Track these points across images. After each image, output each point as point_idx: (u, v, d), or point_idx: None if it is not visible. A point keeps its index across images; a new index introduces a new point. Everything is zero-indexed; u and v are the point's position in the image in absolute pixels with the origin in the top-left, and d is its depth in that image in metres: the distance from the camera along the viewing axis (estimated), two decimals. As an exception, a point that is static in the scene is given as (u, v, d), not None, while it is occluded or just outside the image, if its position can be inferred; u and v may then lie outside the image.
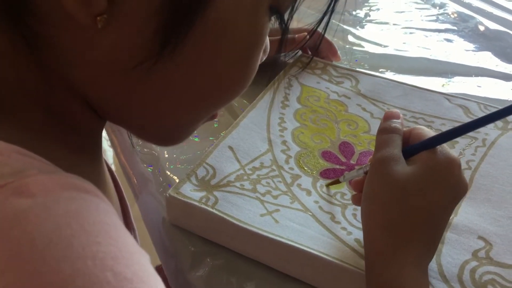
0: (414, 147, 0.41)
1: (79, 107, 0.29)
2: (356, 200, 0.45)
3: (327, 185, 0.50)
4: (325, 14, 0.31)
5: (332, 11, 0.31)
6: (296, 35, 0.67)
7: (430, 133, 0.42)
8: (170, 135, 0.33)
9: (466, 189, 0.40)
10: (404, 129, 0.43)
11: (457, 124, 0.58)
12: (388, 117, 0.44)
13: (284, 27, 0.30)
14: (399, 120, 0.44)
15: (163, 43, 0.25)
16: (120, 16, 0.24)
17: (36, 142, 0.27)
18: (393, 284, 0.36)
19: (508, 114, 0.39)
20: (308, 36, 0.67)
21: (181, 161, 0.57)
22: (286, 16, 0.31)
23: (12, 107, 0.27)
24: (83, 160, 0.31)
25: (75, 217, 0.21)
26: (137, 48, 0.25)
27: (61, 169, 0.25)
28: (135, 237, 0.41)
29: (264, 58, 0.34)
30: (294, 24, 0.75)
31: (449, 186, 0.39)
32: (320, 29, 0.39)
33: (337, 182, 0.49)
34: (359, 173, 0.45)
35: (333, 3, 0.30)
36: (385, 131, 0.43)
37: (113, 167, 0.73)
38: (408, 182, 0.39)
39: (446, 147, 0.41)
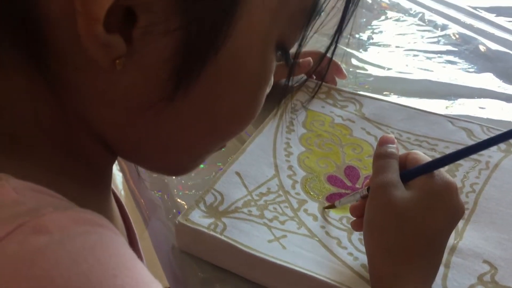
0: (411, 171, 0.42)
1: (94, 144, 0.30)
2: (355, 226, 0.47)
3: (324, 208, 0.51)
4: (332, 41, 0.32)
5: (338, 40, 0.32)
6: (301, 60, 0.69)
7: (426, 157, 0.43)
8: (180, 167, 0.34)
9: (463, 212, 0.41)
10: (400, 153, 0.45)
11: (460, 147, 0.59)
12: (383, 142, 0.45)
13: (291, 64, 0.31)
14: (394, 145, 0.45)
15: (177, 84, 0.26)
16: (137, 59, 0.25)
17: (50, 178, 0.28)
18: None
19: (500, 142, 0.41)
20: (311, 62, 0.69)
21: (190, 186, 0.58)
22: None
23: (27, 144, 0.28)
24: (95, 194, 0.32)
25: (91, 252, 0.22)
26: (152, 89, 0.26)
27: (75, 204, 0.26)
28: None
29: (269, 90, 0.35)
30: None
31: (447, 210, 0.40)
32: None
33: (333, 206, 0.50)
34: (355, 198, 0.47)
35: (339, 32, 0.31)
36: (382, 157, 0.44)
37: (122, 193, 0.74)
38: (407, 208, 0.40)
39: (443, 171, 0.42)
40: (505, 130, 0.41)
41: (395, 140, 0.46)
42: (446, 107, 0.72)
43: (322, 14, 0.31)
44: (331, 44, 0.33)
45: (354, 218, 0.50)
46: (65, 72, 0.26)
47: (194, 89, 0.27)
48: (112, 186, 0.44)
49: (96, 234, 0.23)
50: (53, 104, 0.28)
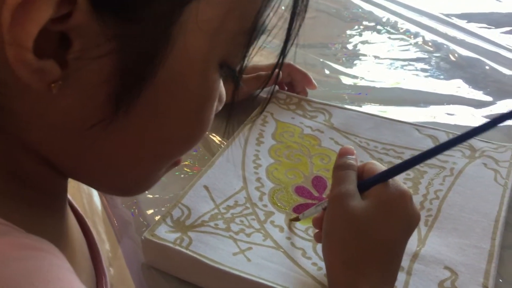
0: (367, 181, 0.43)
1: (38, 166, 0.30)
2: (318, 238, 0.47)
3: (290, 220, 0.52)
4: (285, 44, 0.32)
5: (285, 52, 0.33)
6: (264, 73, 0.70)
7: (381, 167, 0.44)
8: (130, 187, 0.35)
9: (418, 220, 0.42)
10: (358, 164, 0.46)
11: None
12: (342, 153, 0.46)
13: (236, 81, 0.31)
14: (353, 156, 0.46)
15: (116, 106, 0.27)
16: (73, 82, 0.26)
17: None
18: None
19: (450, 147, 0.41)
20: (280, 74, 0.69)
21: (163, 200, 0.59)
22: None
23: None
24: (46, 216, 0.33)
25: (26, 277, 0.22)
26: (91, 111, 0.27)
27: (19, 228, 0.26)
28: (105, 282, 0.42)
29: (220, 108, 0.36)
30: (270, 58, 0.77)
31: (401, 218, 0.41)
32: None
33: (297, 219, 0.51)
34: (317, 210, 0.47)
35: (285, 44, 0.32)
36: (341, 168, 0.45)
37: (99, 208, 0.74)
38: (362, 217, 0.41)
39: (397, 180, 0.43)
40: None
41: (354, 152, 0.47)
42: (434, 117, 0.73)
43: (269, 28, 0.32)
44: (280, 56, 0.33)
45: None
46: (3, 97, 0.27)
47: (135, 110, 0.28)
48: (82, 204, 0.45)
49: (34, 259, 0.24)
50: None
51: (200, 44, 0.28)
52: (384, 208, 0.41)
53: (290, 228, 0.51)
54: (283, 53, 0.32)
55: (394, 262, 0.41)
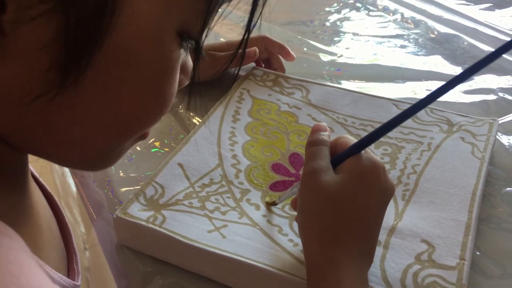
0: (340, 155, 0.42)
1: None
2: (294, 205, 0.46)
3: (266, 205, 0.51)
4: (250, 18, 0.31)
5: (250, 26, 0.31)
6: (246, 50, 0.68)
7: (354, 140, 0.43)
8: (93, 161, 0.33)
9: (393, 191, 0.42)
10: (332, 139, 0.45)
11: (404, 130, 0.59)
12: (315, 130, 0.45)
13: (197, 52, 0.30)
14: (326, 132, 0.45)
15: (64, 75, 0.25)
16: (13, 50, 0.24)
17: None
18: None
19: (418, 110, 0.41)
20: (257, 51, 0.68)
21: (137, 179, 0.57)
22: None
23: None
24: (2, 194, 0.31)
25: None
26: (33, 81, 0.25)
27: None
28: (76, 262, 0.40)
29: (186, 82, 0.34)
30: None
31: (375, 189, 0.40)
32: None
33: (274, 204, 0.50)
34: (293, 192, 0.47)
35: (250, 17, 0.31)
36: (313, 144, 0.44)
37: (73, 189, 0.72)
38: (336, 191, 0.40)
39: (369, 152, 0.42)
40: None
41: (327, 128, 0.46)
42: (414, 92, 0.72)
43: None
44: (246, 31, 0.32)
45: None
46: None
47: (84, 82, 0.26)
48: (54, 185, 0.43)
49: None
50: None
51: (151, 9, 0.26)
52: (357, 180, 0.40)
53: (267, 208, 0.50)
54: (248, 27, 0.31)
55: (371, 234, 0.41)
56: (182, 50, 0.30)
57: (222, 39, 0.84)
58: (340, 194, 0.40)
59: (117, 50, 0.26)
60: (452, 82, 0.39)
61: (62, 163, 0.34)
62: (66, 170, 0.72)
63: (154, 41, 0.27)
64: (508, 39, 0.84)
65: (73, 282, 0.39)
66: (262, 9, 0.32)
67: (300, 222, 0.42)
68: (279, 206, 0.50)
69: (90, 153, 0.31)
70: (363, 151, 0.41)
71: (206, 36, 0.30)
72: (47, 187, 0.44)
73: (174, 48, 0.28)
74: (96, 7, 0.24)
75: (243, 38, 0.32)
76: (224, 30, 0.86)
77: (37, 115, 0.27)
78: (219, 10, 0.30)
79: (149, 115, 0.30)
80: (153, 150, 0.61)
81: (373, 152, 0.48)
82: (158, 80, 0.29)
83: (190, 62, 0.34)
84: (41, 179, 0.44)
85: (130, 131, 0.31)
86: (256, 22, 0.32)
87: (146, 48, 0.27)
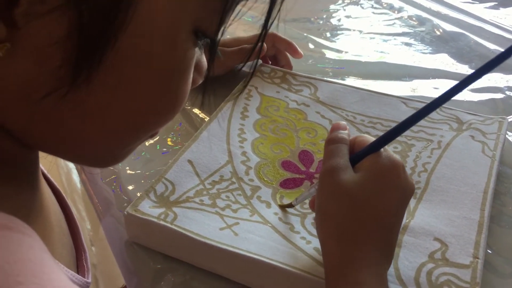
0: (358, 154, 0.42)
1: (1, 139, 0.28)
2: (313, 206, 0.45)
3: (281, 208, 0.50)
4: (268, 15, 0.30)
5: (268, 24, 0.31)
6: (248, 46, 0.68)
7: (372, 139, 0.42)
8: (103, 158, 0.32)
9: (413, 190, 0.41)
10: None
11: (414, 128, 0.59)
12: (334, 128, 0.45)
13: (212, 51, 0.29)
14: (345, 131, 0.44)
15: (76, 72, 0.24)
16: (24, 45, 0.24)
17: None
18: None
19: (437, 106, 0.40)
20: (265, 47, 0.68)
21: (145, 176, 0.57)
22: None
23: None
24: (15, 191, 0.30)
25: None
26: (45, 77, 0.25)
27: None
28: (85, 258, 0.40)
29: (200, 81, 0.34)
30: (252, 32, 0.75)
31: (395, 188, 0.40)
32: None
33: (290, 206, 0.50)
34: (311, 193, 0.46)
35: (268, 16, 0.30)
36: (332, 142, 0.43)
37: (78, 186, 0.72)
38: (355, 190, 0.39)
39: (388, 150, 0.41)
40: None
41: (347, 127, 0.45)
42: (413, 90, 0.72)
43: None
44: (264, 27, 0.31)
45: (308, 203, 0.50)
46: None
47: (97, 79, 0.25)
48: (60, 182, 0.43)
49: (0, 238, 0.22)
50: None
51: (167, 5, 0.25)
52: (377, 179, 0.40)
53: (282, 210, 0.50)
54: (266, 24, 0.31)
55: (390, 234, 0.40)
56: (197, 49, 0.30)
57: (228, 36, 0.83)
58: (359, 192, 0.39)
59: (130, 47, 0.25)
60: (466, 81, 0.39)
61: (72, 159, 0.34)
62: (72, 167, 0.72)
63: (168, 38, 0.26)
64: (513, 37, 0.85)
65: (84, 279, 0.38)
66: (280, 6, 0.32)
67: (318, 221, 0.41)
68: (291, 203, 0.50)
69: (101, 151, 0.31)
70: (382, 149, 0.41)
71: (222, 34, 0.29)
72: (56, 184, 0.43)
73: (189, 47, 0.28)
74: (110, 2, 0.23)
75: (260, 34, 0.32)
76: (238, 31, 0.85)
77: (48, 112, 0.26)
78: (235, 9, 0.30)
79: (161, 114, 0.30)
80: (160, 147, 0.61)
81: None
82: (172, 79, 0.28)
83: (204, 61, 0.34)
84: (49, 176, 0.43)
85: (142, 129, 0.30)
86: (274, 19, 0.32)
87: (161, 45, 0.26)
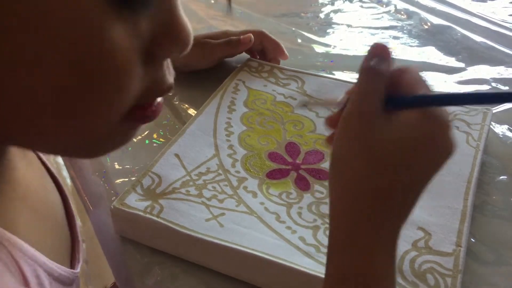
0: (402, 99, 0.32)
1: None
2: (330, 140, 0.35)
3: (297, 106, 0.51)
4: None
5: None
6: (242, 36, 0.68)
7: (423, 81, 0.33)
8: (80, 146, 0.28)
9: (452, 151, 0.32)
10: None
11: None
12: (374, 53, 0.34)
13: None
14: (387, 60, 0.33)
15: None
16: None
17: None
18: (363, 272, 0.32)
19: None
20: (252, 38, 0.68)
21: (133, 170, 0.57)
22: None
23: None
24: None
25: None
26: None
27: None
28: (77, 250, 0.41)
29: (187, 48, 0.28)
30: (243, 28, 0.76)
31: (436, 156, 0.32)
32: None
33: (304, 106, 0.49)
34: (331, 106, 0.36)
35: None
36: (366, 73, 0.33)
37: (68, 181, 0.72)
38: (386, 149, 0.31)
39: (443, 109, 0.32)
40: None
41: (390, 53, 0.34)
42: None
43: None
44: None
45: (294, 193, 0.50)
46: None
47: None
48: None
49: None
50: None
51: None
52: (419, 143, 0.31)
53: (262, 192, 0.50)
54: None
55: (410, 210, 0.33)
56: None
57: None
58: (393, 156, 0.31)
59: (31, 15, 0.21)
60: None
61: (49, 151, 0.31)
62: (61, 163, 0.72)
63: (76, 9, 0.22)
64: (500, 30, 0.85)
65: (71, 270, 0.38)
66: None
67: (331, 171, 0.33)
68: (276, 193, 0.50)
69: (69, 138, 0.27)
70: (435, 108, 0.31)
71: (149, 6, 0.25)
72: (57, 176, 0.43)
73: (107, 25, 0.23)
74: None
75: None
76: (227, 26, 0.86)
77: None
78: None
79: (93, 86, 0.24)
80: (148, 141, 0.61)
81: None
82: (82, 57, 0.23)
83: (186, 23, 0.27)
84: (48, 164, 0.43)
85: (81, 108, 0.25)
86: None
87: (65, 16, 0.22)
